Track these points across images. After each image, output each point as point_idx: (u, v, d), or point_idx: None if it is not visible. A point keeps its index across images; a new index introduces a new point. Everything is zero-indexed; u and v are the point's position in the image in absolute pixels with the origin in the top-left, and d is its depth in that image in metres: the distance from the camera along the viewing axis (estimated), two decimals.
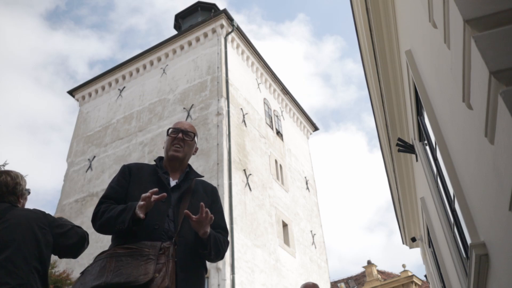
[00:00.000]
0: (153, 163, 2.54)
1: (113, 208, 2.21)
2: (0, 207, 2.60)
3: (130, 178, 2.38)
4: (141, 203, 2.06)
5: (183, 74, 18.76)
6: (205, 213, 2.10)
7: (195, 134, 2.52)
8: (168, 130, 2.51)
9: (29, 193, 2.85)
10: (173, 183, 2.39)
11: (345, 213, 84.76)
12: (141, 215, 2.05)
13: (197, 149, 2.61)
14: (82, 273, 2.09)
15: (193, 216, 2.10)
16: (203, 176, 2.54)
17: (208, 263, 2.37)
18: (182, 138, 2.45)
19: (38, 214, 2.66)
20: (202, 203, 2.12)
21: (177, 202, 2.29)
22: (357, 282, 28.97)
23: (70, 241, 2.66)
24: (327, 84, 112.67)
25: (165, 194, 2.12)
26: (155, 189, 2.09)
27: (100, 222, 2.22)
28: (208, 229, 2.14)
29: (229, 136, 15.81)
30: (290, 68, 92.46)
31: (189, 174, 2.45)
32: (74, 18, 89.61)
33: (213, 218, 2.13)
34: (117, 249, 2.07)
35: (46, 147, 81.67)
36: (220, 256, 2.30)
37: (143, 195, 2.07)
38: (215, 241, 2.22)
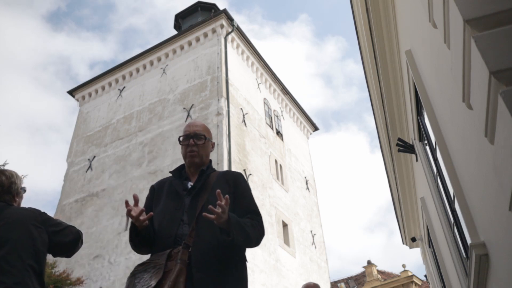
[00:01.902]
0: (172, 174, 2.58)
1: None
2: None
3: (154, 196, 2.46)
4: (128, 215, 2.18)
5: (183, 74, 18.75)
6: (223, 202, 2.04)
7: (205, 135, 2.52)
8: (179, 138, 2.53)
9: (24, 191, 2.86)
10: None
11: (345, 213, 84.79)
12: (137, 224, 2.15)
13: (213, 144, 2.64)
14: None
15: (210, 216, 2.03)
16: (214, 170, 2.55)
17: None
18: (194, 144, 2.46)
19: (34, 213, 2.66)
20: (218, 190, 2.08)
21: (192, 204, 2.28)
22: (357, 282, 28.97)
23: (66, 239, 2.67)
24: (328, 85, 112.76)
25: (142, 208, 2.19)
26: (126, 200, 2.18)
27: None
28: (225, 216, 2.05)
29: (229, 136, 15.80)
30: (292, 68, 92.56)
31: (204, 172, 2.45)
32: (75, 19, 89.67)
33: (228, 199, 2.06)
34: (138, 267, 2.14)
35: (46, 147, 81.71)
36: (251, 240, 2.20)
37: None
38: (239, 225, 2.11)
